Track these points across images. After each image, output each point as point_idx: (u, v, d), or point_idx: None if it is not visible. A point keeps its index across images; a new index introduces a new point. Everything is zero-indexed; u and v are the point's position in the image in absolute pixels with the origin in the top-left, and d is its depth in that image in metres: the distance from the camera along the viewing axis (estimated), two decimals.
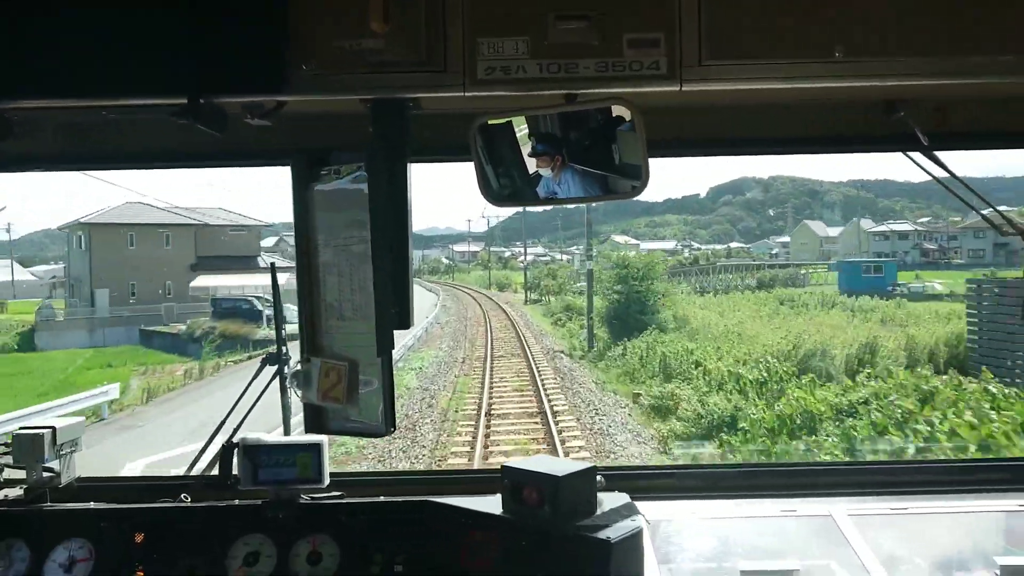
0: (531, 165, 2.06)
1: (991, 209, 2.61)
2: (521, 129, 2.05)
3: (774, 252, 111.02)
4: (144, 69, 1.92)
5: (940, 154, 2.39)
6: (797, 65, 1.89)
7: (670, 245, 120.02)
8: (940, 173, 2.42)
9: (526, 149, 2.06)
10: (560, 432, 15.12)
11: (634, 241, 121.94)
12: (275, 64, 1.91)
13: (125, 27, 1.90)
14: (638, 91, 1.91)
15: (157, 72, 1.92)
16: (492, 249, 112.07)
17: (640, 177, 1.98)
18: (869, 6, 1.87)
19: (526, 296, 54.87)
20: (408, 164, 2.18)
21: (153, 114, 2.01)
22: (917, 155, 2.41)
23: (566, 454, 13.27)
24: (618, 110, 1.94)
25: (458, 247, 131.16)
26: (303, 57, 1.91)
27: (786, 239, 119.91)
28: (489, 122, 2.05)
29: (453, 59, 1.91)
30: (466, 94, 1.93)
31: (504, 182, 2.11)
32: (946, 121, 2.34)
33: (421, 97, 2.05)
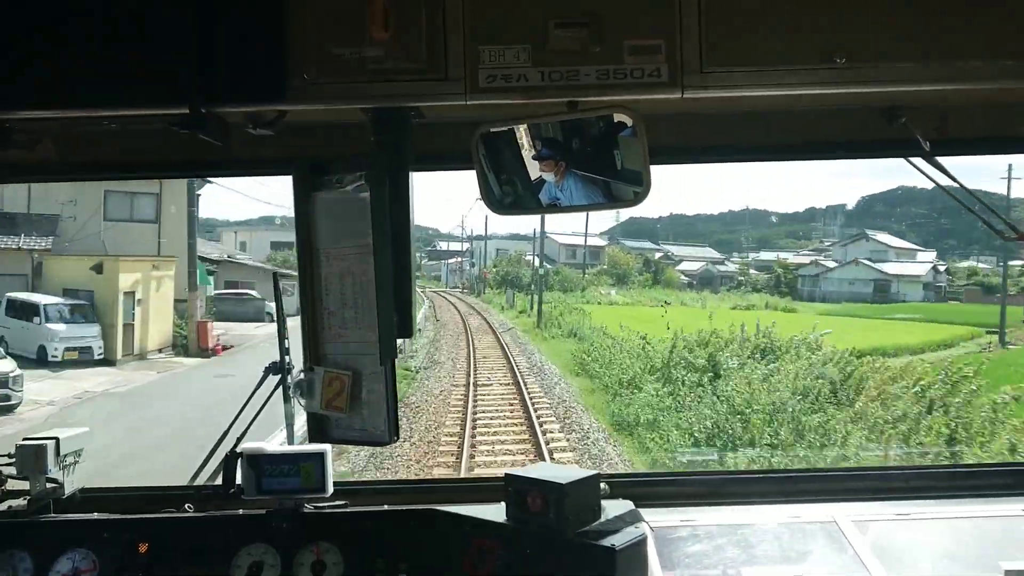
0: (533, 171, 2.06)
1: (994, 214, 2.61)
2: (523, 137, 2.06)
3: None
4: (145, 79, 1.92)
5: (942, 159, 2.38)
6: (799, 72, 1.89)
7: (929, 256, 77.27)
8: (943, 179, 2.41)
9: (528, 156, 2.06)
10: None
11: (904, 243, 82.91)
12: (276, 74, 1.91)
13: (126, 38, 1.91)
14: (640, 98, 1.91)
15: (158, 82, 1.92)
16: (624, 242, 76.47)
17: (642, 184, 1.98)
18: (870, 12, 1.86)
19: None
20: (410, 173, 2.19)
21: (154, 124, 2.02)
22: (919, 161, 2.41)
23: None
24: (620, 116, 1.95)
25: (564, 239, 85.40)
26: (304, 66, 1.91)
27: None
28: (491, 130, 2.06)
29: (454, 67, 1.91)
30: (468, 102, 1.93)
31: (506, 190, 2.11)
32: (948, 127, 2.33)
33: (422, 106, 2.06)
